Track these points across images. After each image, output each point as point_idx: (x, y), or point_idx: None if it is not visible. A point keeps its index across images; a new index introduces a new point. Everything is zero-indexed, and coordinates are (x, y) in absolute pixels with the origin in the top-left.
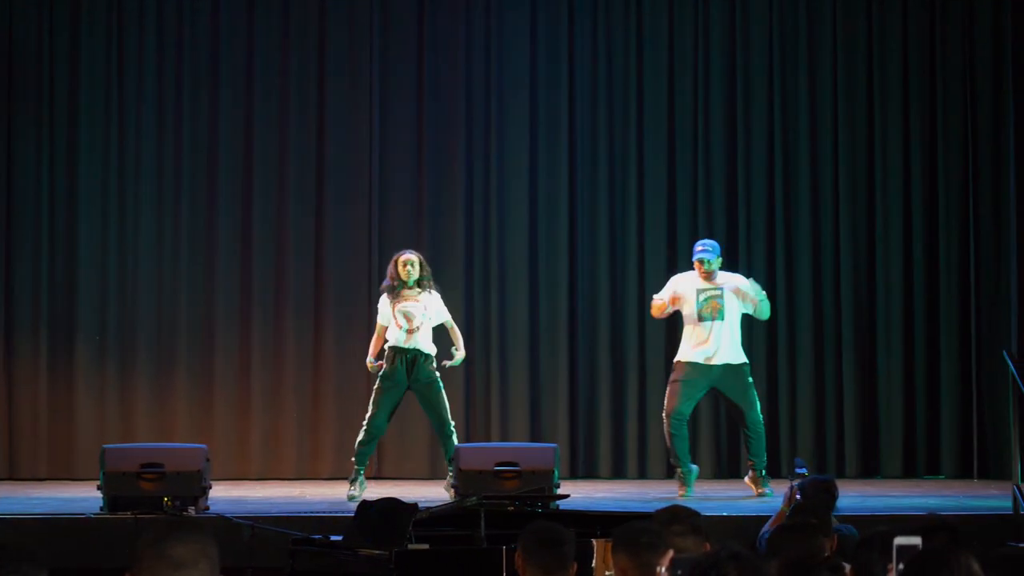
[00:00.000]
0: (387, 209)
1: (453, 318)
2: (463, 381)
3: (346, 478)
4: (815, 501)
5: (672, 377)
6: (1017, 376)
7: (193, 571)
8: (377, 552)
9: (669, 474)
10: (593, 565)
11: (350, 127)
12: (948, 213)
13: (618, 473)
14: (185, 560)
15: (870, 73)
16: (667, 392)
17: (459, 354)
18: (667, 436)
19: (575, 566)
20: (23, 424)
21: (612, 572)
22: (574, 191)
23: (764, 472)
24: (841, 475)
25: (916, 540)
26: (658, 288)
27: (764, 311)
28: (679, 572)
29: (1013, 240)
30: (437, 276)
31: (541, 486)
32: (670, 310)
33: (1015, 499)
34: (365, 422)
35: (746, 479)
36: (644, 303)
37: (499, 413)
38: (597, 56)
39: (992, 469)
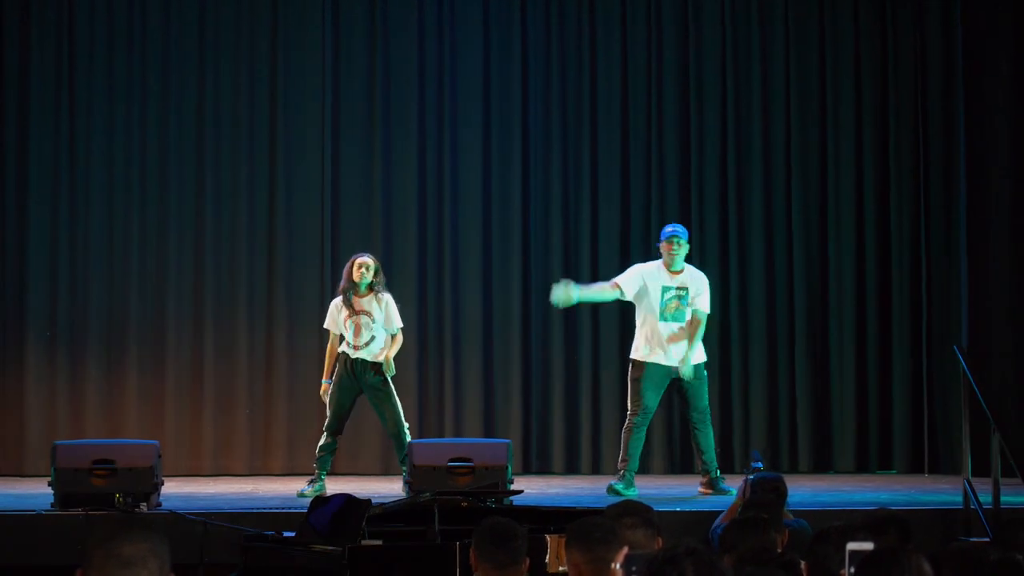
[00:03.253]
0: (339, 208)
1: (406, 312)
2: (416, 377)
3: (297, 474)
4: (763, 499)
5: (633, 375)
6: (968, 371)
7: (142, 570)
8: (330, 548)
9: None
10: (547, 560)
11: (302, 126)
12: (899, 209)
13: (571, 469)
14: (134, 559)
15: (822, 71)
16: (630, 390)
17: (387, 369)
18: (627, 431)
19: (528, 561)
20: None
21: (565, 567)
22: (527, 190)
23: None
24: (794, 470)
25: (868, 545)
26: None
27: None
28: (634, 569)
29: (963, 236)
30: (390, 274)
31: (494, 482)
32: (618, 296)
33: (966, 494)
34: (324, 425)
35: (700, 487)
36: None
37: (452, 409)
38: (550, 51)
39: (943, 464)
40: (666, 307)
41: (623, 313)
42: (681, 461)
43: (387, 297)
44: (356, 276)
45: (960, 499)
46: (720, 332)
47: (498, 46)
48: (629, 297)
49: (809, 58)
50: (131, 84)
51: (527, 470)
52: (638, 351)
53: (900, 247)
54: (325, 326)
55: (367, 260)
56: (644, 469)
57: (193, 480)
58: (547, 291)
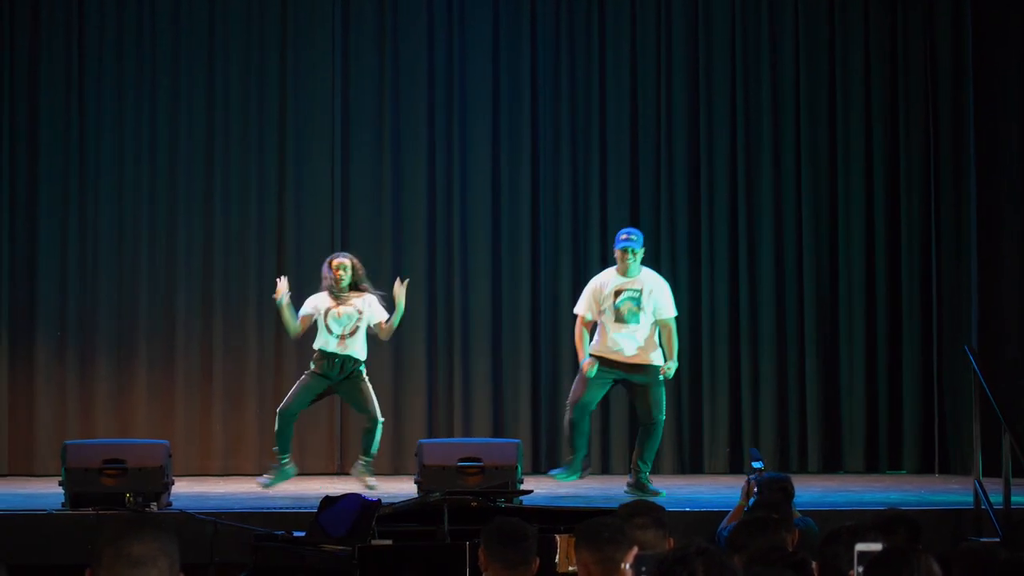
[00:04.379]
0: (349, 207)
1: (415, 312)
2: (425, 377)
3: (308, 474)
4: (771, 499)
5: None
6: (978, 371)
7: (152, 569)
8: (340, 548)
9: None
10: (556, 560)
11: (311, 125)
12: (909, 209)
13: None
14: (144, 558)
15: (832, 69)
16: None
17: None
18: (569, 424)
19: (537, 561)
20: None
21: (575, 567)
22: (536, 189)
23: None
24: (804, 470)
25: (877, 545)
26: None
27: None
28: (644, 569)
29: (973, 236)
30: (398, 270)
31: (504, 482)
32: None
33: (976, 494)
34: (278, 409)
35: (627, 485)
36: None
37: (462, 409)
38: (559, 50)
39: (953, 464)
40: (619, 309)
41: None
42: (691, 461)
43: (371, 296)
44: (337, 278)
45: (970, 499)
46: (730, 332)
47: (507, 45)
48: (594, 318)
49: (819, 57)
50: (140, 83)
51: (537, 470)
52: (593, 348)
53: (910, 247)
54: (305, 304)
55: (343, 260)
56: (655, 469)
57: (203, 480)
58: (556, 290)
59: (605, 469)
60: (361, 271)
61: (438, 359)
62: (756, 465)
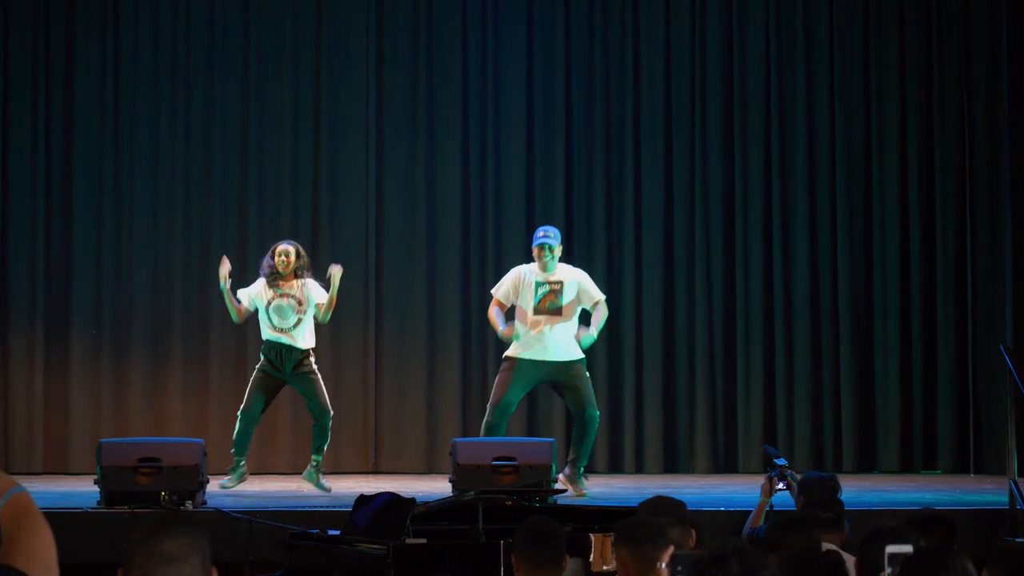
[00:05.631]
0: (383, 207)
1: (450, 310)
2: (459, 376)
3: (340, 472)
4: (821, 498)
5: (503, 367)
6: (1013, 370)
7: (185, 565)
8: (375, 547)
9: (666, 469)
10: (591, 559)
11: (345, 125)
12: (944, 209)
13: (615, 468)
14: (176, 555)
15: (867, 67)
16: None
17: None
18: (486, 427)
19: (568, 560)
20: (19, 418)
21: (610, 566)
22: (570, 186)
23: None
24: (838, 470)
25: (907, 548)
26: (654, 279)
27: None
28: (679, 568)
29: (1008, 235)
30: (433, 272)
31: (538, 481)
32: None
33: (1011, 494)
34: (239, 411)
35: (562, 476)
36: (641, 296)
37: None
38: (593, 49)
39: (988, 464)
40: (539, 301)
41: (667, 313)
42: (725, 461)
43: (310, 281)
44: (279, 264)
45: (1006, 499)
46: (764, 330)
47: (541, 43)
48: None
49: (853, 55)
50: (175, 84)
51: (617, 469)
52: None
53: (945, 246)
54: (240, 293)
55: (288, 247)
56: (688, 469)
57: None
58: None
59: (639, 468)
60: (304, 259)
61: (472, 358)
62: (780, 462)
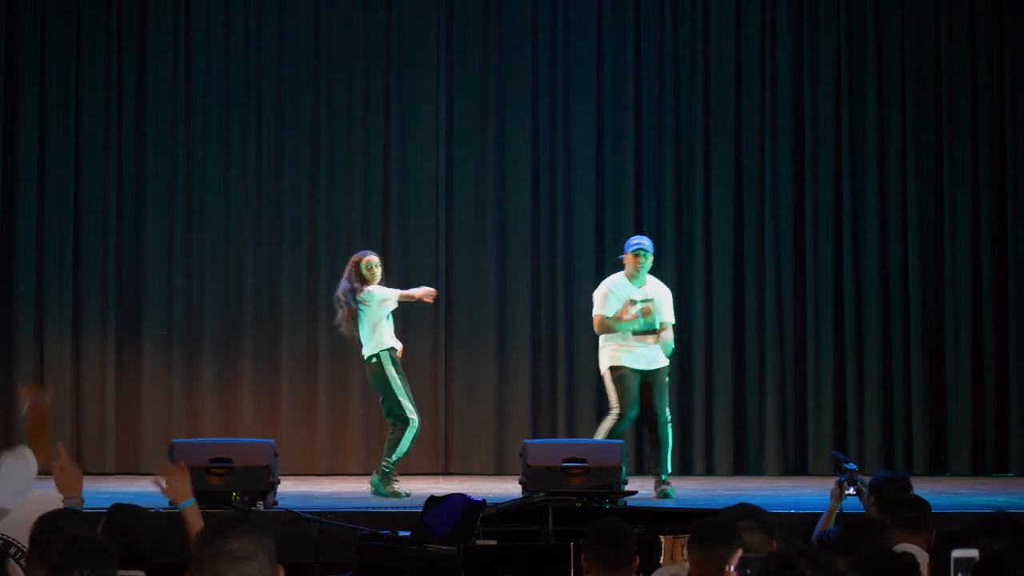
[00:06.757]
0: (453, 210)
1: (520, 313)
2: (529, 377)
3: (410, 474)
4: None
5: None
6: None
7: (252, 563)
8: (445, 548)
9: (736, 471)
10: (661, 561)
11: (416, 128)
12: (1016, 208)
13: (685, 470)
14: (243, 553)
15: (938, 63)
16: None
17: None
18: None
19: (638, 560)
20: (91, 419)
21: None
22: (639, 189)
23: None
24: (909, 472)
25: (973, 552)
26: (724, 280)
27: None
28: (748, 572)
29: None
30: (503, 275)
31: (608, 482)
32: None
33: None
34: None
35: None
36: (711, 297)
37: (565, 409)
38: (663, 50)
39: None
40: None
41: (736, 314)
42: (796, 462)
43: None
44: (370, 276)
45: None
46: (835, 333)
47: (611, 47)
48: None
49: (924, 48)
50: (246, 95)
51: (641, 471)
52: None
53: (1017, 246)
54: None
55: (373, 258)
56: (758, 471)
57: (308, 479)
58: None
59: (708, 470)
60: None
61: (542, 360)
62: (850, 467)
